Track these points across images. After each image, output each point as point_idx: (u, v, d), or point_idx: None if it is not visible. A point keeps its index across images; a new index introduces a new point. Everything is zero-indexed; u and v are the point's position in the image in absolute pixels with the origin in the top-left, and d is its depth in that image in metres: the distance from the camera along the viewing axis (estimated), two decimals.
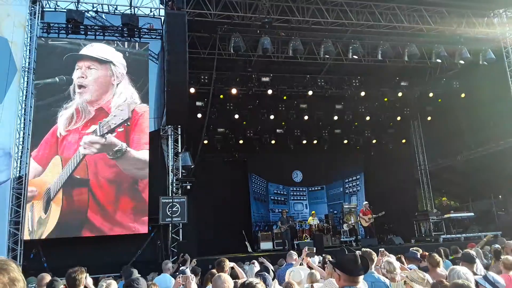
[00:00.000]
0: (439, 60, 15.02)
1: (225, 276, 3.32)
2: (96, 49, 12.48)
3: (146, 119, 12.38)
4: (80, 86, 11.93)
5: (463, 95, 17.25)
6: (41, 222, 11.04)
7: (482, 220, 15.79)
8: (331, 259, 6.03)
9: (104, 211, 11.31)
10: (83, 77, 12.02)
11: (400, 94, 17.61)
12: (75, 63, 12.20)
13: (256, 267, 6.79)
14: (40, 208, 11.09)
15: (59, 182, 11.22)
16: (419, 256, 6.24)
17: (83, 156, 11.43)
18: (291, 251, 7.06)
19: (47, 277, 4.94)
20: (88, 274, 4.30)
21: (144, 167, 11.87)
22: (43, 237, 11.03)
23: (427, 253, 6.07)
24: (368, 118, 18.69)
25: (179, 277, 4.12)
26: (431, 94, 17.60)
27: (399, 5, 13.42)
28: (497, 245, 7.42)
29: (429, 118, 19.63)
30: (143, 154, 11.93)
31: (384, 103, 18.18)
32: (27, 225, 10.96)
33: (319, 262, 7.00)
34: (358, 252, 3.19)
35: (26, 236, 10.94)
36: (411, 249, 6.63)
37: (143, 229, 11.69)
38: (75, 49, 12.38)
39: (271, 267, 6.90)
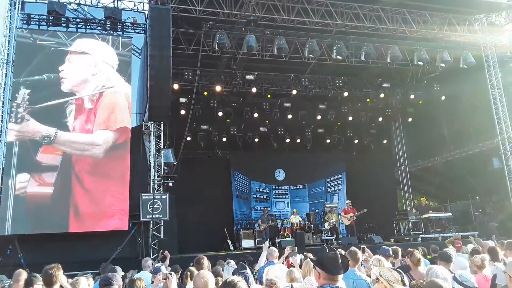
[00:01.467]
0: (420, 63, 15.26)
1: (204, 272, 3.30)
2: (78, 43, 12.33)
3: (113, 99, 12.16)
4: (62, 78, 11.84)
5: (443, 97, 17.57)
6: None
7: (459, 220, 16.16)
8: (312, 257, 6.06)
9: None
10: (63, 71, 11.90)
11: (382, 95, 17.88)
12: (61, 60, 12.01)
13: (232, 266, 6.70)
14: None
15: None
16: (391, 253, 6.32)
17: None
18: (272, 248, 7.01)
19: (24, 273, 4.83)
20: (62, 272, 4.22)
21: (90, 148, 11.63)
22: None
23: (412, 249, 6.15)
24: (350, 118, 18.89)
25: (159, 275, 4.09)
26: (412, 96, 17.89)
27: (383, 7, 13.57)
28: (474, 245, 7.59)
29: (410, 120, 19.97)
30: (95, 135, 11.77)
31: (366, 103, 18.41)
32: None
33: (301, 260, 7.02)
34: (339, 251, 3.20)
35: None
36: (383, 246, 6.70)
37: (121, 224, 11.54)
38: (62, 48, 12.17)
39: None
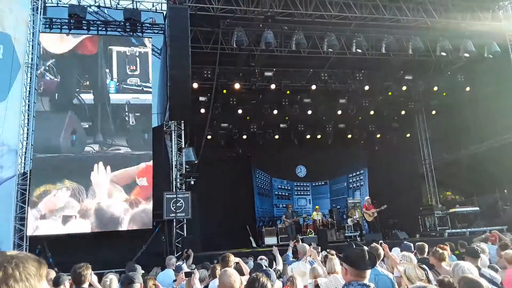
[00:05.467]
0: (443, 54, 14.89)
1: (231, 271, 3.31)
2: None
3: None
4: None
5: (468, 88, 17.11)
6: None
7: (487, 214, 15.71)
8: (333, 254, 6.01)
9: None
10: None
11: (404, 88, 17.48)
12: None
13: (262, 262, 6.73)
14: None
15: None
16: (413, 249, 6.19)
17: None
18: (304, 244, 7.02)
19: (52, 273, 4.94)
20: (92, 272, 4.30)
21: None
22: None
23: (442, 245, 5.99)
24: (372, 112, 18.60)
25: (181, 273, 4.12)
26: (435, 88, 17.46)
27: None
28: (502, 240, 7.37)
29: (433, 112, 19.50)
30: None
31: (388, 97, 18.06)
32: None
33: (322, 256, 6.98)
34: (365, 247, 3.16)
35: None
36: (404, 242, 6.58)
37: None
38: None
39: (279, 259, 6.88)
